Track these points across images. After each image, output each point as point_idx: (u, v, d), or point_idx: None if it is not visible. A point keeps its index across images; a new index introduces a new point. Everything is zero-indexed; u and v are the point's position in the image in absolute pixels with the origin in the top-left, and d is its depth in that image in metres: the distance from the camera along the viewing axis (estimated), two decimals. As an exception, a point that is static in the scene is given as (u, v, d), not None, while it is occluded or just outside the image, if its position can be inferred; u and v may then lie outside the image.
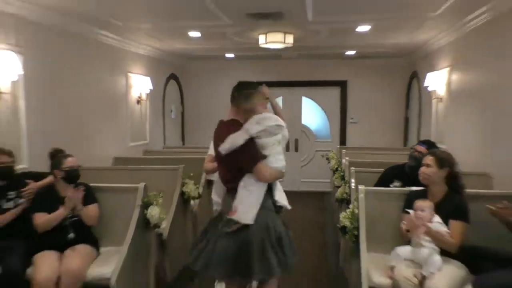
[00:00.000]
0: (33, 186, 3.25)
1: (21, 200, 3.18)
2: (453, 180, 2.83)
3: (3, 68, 3.45)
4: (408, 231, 2.74)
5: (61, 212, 2.99)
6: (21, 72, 3.67)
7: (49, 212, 3.00)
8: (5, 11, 3.59)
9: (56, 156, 3.15)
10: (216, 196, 2.96)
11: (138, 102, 6.15)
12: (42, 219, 2.98)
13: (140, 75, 6.17)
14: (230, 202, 2.60)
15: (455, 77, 5.07)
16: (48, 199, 3.09)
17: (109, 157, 5.26)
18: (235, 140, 2.50)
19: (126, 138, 5.84)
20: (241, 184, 2.59)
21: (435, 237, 2.63)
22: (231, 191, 2.65)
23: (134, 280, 3.16)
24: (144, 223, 3.33)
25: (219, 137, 2.62)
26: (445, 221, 2.71)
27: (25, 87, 3.80)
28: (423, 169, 2.85)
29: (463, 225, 2.69)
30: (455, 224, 2.69)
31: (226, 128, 2.65)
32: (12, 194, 3.21)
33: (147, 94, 6.36)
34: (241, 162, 2.56)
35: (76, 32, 4.60)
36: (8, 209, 3.16)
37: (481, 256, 2.73)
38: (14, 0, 3.58)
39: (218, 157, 2.68)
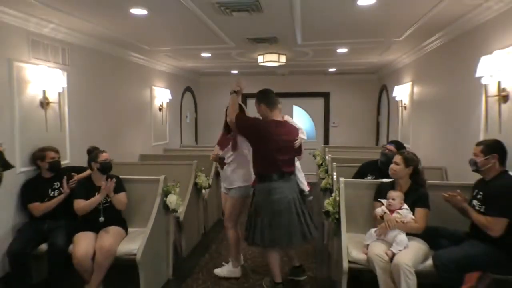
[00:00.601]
0: (76, 177, 3.22)
1: (63, 189, 3.15)
2: (417, 175, 2.80)
3: (52, 82, 3.41)
4: (381, 217, 2.70)
5: (96, 199, 2.95)
6: (65, 85, 3.65)
7: (87, 199, 2.96)
8: (56, 37, 3.61)
9: (93, 151, 3.11)
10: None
11: (160, 109, 6.11)
12: (81, 204, 2.94)
13: (161, 88, 6.12)
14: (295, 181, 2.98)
15: (416, 89, 5.04)
16: (86, 188, 3.05)
17: (136, 154, 5.22)
18: (304, 135, 3.01)
19: (150, 139, 5.80)
20: (297, 166, 3.12)
21: (405, 227, 2.60)
22: (292, 173, 2.92)
23: (155, 255, 3.12)
24: (164, 208, 3.30)
25: (290, 132, 2.91)
26: (411, 208, 2.69)
27: (68, 97, 3.76)
28: (392, 166, 2.81)
29: (426, 211, 2.66)
30: (420, 211, 2.66)
31: (292, 126, 2.98)
32: (57, 184, 3.19)
33: (167, 103, 6.32)
34: (301, 151, 3.04)
35: (111, 54, 4.57)
36: (53, 197, 3.13)
37: (439, 235, 2.71)
38: (62, 28, 3.60)
39: (284, 146, 2.82)
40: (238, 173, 3.20)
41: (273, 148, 2.77)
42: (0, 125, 2.99)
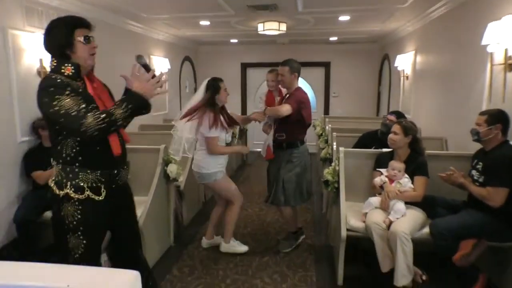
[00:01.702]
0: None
1: None
2: (415, 144, 2.79)
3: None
4: (381, 186, 2.73)
5: None
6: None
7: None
8: (50, 4, 3.50)
9: None
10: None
11: (159, 79, 6.02)
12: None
13: (160, 57, 6.01)
14: None
15: (419, 58, 4.96)
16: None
17: (136, 125, 5.20)
18: None
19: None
20: None
21: (404, 197, 2.63)
22: None
23: (157, 223, 3.18)
24: (165, 177, 3.33)
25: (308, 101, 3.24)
26: (410, 176, 2.70)
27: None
28: (391, 136, 2.79)
29: (425, 179, 2.68)
30: (419, 179, 2.68)
31: None
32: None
33: (166, 73, 6.23)
34: None
35: (107, 21, 4.46)
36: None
37: (437, 204, 2.74)
38: (56, -5, 3.49)
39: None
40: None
41: (310, 113, 3.20)
42: (-2, 95, 2.96)
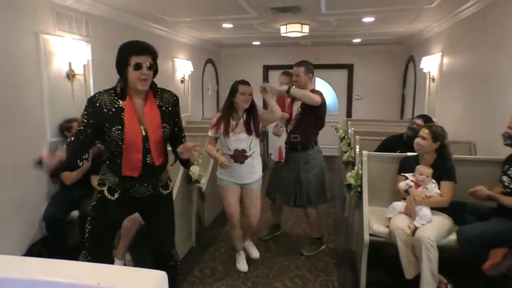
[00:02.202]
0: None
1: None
2: (443, 149, 2.72)
3: (77, 54, 3.46)
4: (406, 191, 2.67)
5: None
6: (90, 57, 3.69)
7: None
8: (79, 9, 3.61)
9: None
10: None
11: (182, 81, 6.12)
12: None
13: (183, 60, 6.11)
14: None
15: (446, 60, 4.83)
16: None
17: (159, 126, 5.29)
18: None
19: (173, 111, 5.84)
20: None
21: (431, 202, 2.57)
22: None
23: (179, 223, 3.20)
24: (188, 179, 3.36)
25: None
26: (437, 181, 2.63)
27: (93, 69, 3.81)
28: (418, 141, 2.72)
29: (452, 184, 2.61)
30: (446, 184, 2.61)
31: None
32: (86, 155, 3.27)
33: (189, 75, 6.32)
34: None
35: (133, 25, 4.57)
36: (81, 166, 3.23)
37: (465, 210, 2.66)
38: (86, 0, 3.60)
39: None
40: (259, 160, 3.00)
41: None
42: (30, 97, 3.08)
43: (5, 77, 2.84)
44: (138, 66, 1.85)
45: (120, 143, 1.86)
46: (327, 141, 7.94)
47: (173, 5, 4.11)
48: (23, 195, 3.03)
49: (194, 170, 3.34)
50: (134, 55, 1.85)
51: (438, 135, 2.68)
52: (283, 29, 5.20)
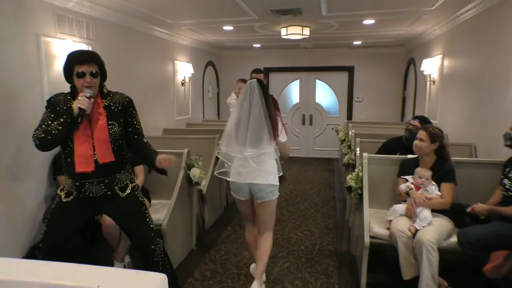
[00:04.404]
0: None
1: None
2: (442, 150, 2.72)
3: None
4: (407, 193, 2.67)
5: None
6: (90, 60, 3.69)
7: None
8: (80, 12, 3.61)
9: None
10: None
11: (183, 84, 6.13)
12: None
13: (184, 62, 6.12)
14: None
15: (446, 63, 4.84)
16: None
17: (159, 128, 5.31)
18: None
19: (173, 113, 5.87)
20: None
21: (431, 204, 2.57)
22: None
23: (180, 226, 3.22)
24: (188, 181, 3.37)
25: None
26: (437, 183, 2.64)
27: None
28: (416, 143, 2.73)
29: (452, 185, 2.61)
30: (446, 185, 2.61)
31: None
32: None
33: (190, 78, 6.33)
34: None
35: (134, 28, 4.58)
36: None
37: (464, 212, 2.65)
38: (87, 2, 3.60)
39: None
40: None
41: None
42: (31, 100, 3.09)
43: (6, 79, 2.85)
44: (81, 75, 2.04)
45: (69, 142, 2.03)
46: (328, 143, 7.99)
47: (174, 8, 4.12)
48: (23, 197, 3.03)
49: (194, 172, 3.35)
50: (77, 64, 2.04)
51: (435, 136, 2.68)
52: (283, 31, 5.22)
